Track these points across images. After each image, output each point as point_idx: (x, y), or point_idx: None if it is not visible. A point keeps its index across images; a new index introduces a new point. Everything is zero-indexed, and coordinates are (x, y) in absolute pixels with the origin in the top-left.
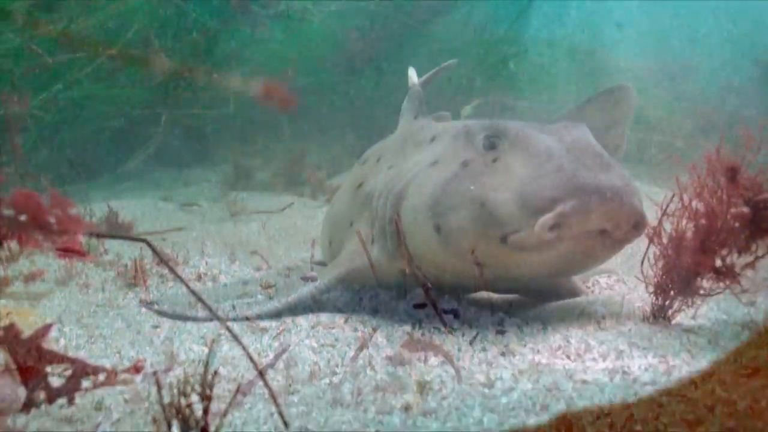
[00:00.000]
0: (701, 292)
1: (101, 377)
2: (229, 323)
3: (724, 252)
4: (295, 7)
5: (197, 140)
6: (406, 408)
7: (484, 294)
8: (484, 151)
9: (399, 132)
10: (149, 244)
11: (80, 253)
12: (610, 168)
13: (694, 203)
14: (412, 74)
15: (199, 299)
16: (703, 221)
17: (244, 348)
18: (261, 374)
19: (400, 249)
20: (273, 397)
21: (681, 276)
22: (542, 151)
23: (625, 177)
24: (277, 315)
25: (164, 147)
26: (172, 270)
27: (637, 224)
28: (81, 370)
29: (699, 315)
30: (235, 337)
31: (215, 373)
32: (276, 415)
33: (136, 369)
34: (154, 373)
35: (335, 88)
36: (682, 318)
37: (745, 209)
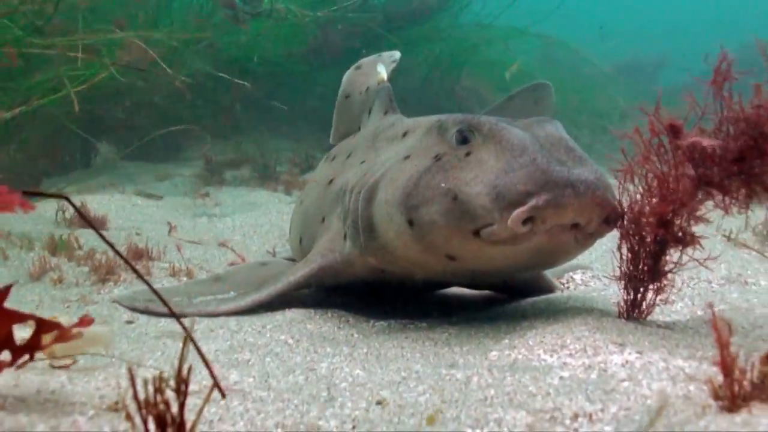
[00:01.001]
0: (669, 268)
1: (57, 333)
2: (201, 320)
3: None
4: (280, 8)
5: (171, 134)
6: (379, 402)
7: (456, 290)
8: (456, 145)
9: (368, 128)
10: (69, 201)
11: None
12: (583, 162)
13: (643, 172)
14: (381, 70)
15: (155, 292)
16: (655, 185)
17: (194, 343)
18: (206, 362)
19: (373, 244)
20: (207, 363)
21: (647, 257)
22: (515, 145)
23: (598, 171)
24: (249, 311)
25: (136, 140)
26: (99, 234)
27: (610, 218)
28: (42, 328)
29: (674, 311)
30: (186, 329)
31: (190, 368)
32: (252, 410)
33: (86, 323)
34: (129, 368)
35: (307, 81)
36: (658, 314)
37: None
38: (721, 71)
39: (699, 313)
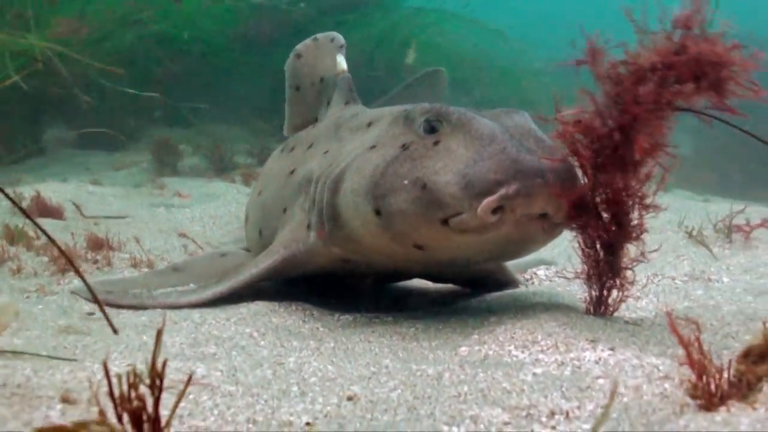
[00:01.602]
0: (626, 264)
1: None
2: (164, 312)
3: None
4: None
5: (124, 124)
6: (350, 398)
7: (420, 284)
8: (424, 135)
9: (330, 119)
10: (2, 191)
11: None
12: (552, 152)
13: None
14: (341, 61)
15: (90, 290)
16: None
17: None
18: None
19: (338, 233)
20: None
21: (603, 247)
22: (484, 134)
23: (567, 161)
24: (211, 303)
25: (90, 128)
26: (36, 224)
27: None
28: None
29: (639, 308)
30: (109, 321)
31: (165, 363)
32: (222, 405)
33: None
34: (104, 363)
35: (250, 65)
36: (624, 311)
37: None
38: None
39: (664, 310)
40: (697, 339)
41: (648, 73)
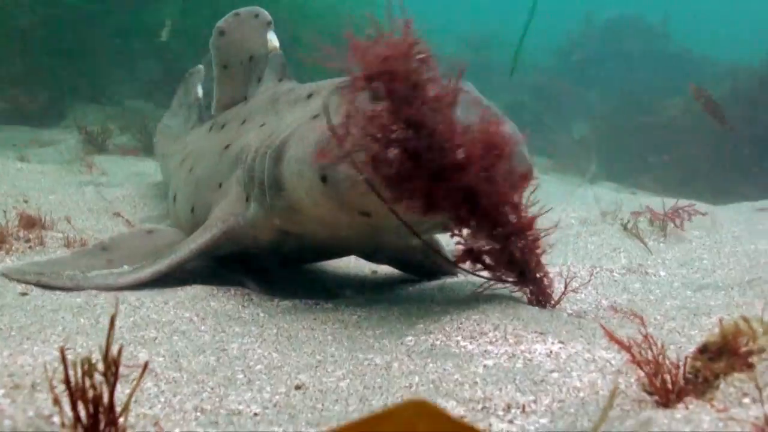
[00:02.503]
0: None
1: None
2: (99, 294)
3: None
4: None
5: (53, 98)
6: (299, 387)
7: (358, 270)
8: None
9: (264, 94)
10: None
11: None
12: (500, 119)
13: None
14: (272, 38)
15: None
16: None
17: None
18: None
19: (281, 203)
20: None
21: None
22: None
23: (514, 128)
24: (150, 283)
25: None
26: None
27: (525, 174)
28: None
29: (579, 299)
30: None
31: (120, 350)
32: (167, 392)
33: None
34: (61, 349)
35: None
36: (564, 302)
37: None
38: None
39: (604, 302)
40: (647, 336)
41: None
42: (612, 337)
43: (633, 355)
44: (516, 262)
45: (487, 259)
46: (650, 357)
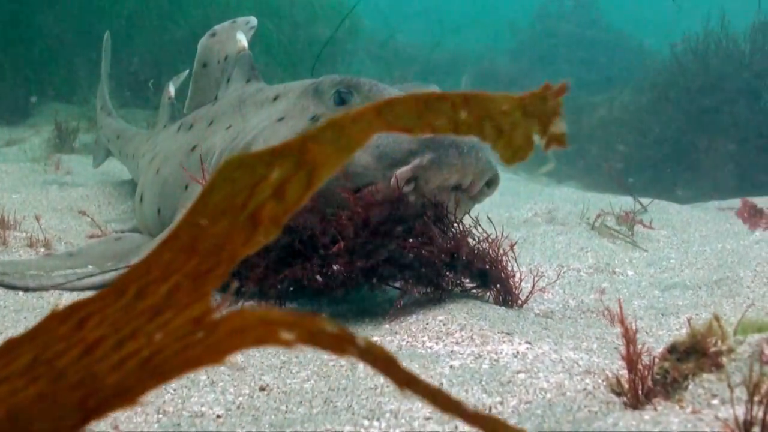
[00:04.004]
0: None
1: None
2: (63, 294)
3: None
4: None
5: (18, 96)
6: (263, 388)
7: None
8: (335, 106)
9: (231, 95)
10: None
11: None
12: None
13: None
14: (241, 38)
15: None
16: None
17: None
18: None
19: None
20: None
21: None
22: None
23: None
24: (110, 284)
25: None
26: None
27: (491, 182)
28: None
29: (546, 299)
30: None
31: None
32: None
33: None
34: None
35: None
36: (531, 302)
37: None
38: None
39: (571, 302)
40: (634, 333)
41: None
42: (623, 322)
43: (629, 350)
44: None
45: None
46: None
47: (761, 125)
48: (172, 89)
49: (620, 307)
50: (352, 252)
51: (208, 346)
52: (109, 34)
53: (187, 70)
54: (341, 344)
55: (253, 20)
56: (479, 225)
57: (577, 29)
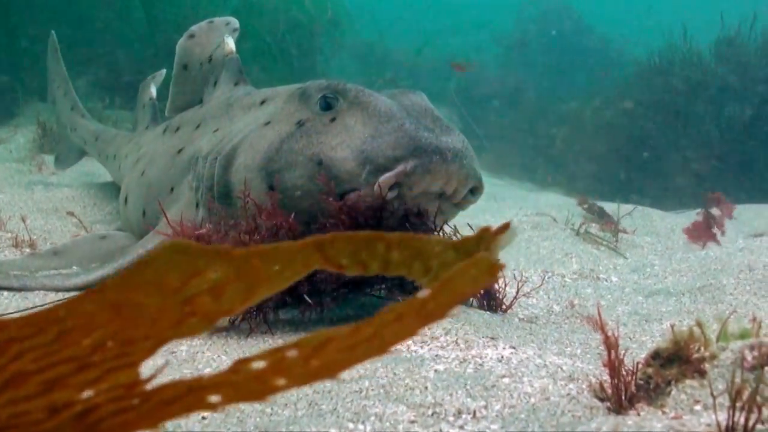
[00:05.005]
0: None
1: None
2: (47, 295)
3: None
4: None
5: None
6: None
7: None
8: (320, 111)
9: (219, 98)
10: None
11: None
12: (450, 131)
13: None
14: (229, 41)
15: None
16: None
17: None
18: None
19: (229, 210)
20: None
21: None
22: (382, 111)
23: (465, 141)
24: (94, 286)
25: None
26: None
27: (475, 189)
28: None
29: (531, 304)
30: None
31: None
32: None
33: None
34: None
35: None
36: (516, 307)
37: None
38: None
39: (555, 307)
40: (616, 340)
41: None
42: (602, 329)
43: (611, 356)
44: None
45: None
46: (606, 361)
47: (724, 136)
48: (153, 90)
49: (599, 314)
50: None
51: (142, 414)
52: (54, 34)
53: (164, 70)
54: (266, 385)
55: (235, 22)
56: (458, 233)
57: (560, 37)
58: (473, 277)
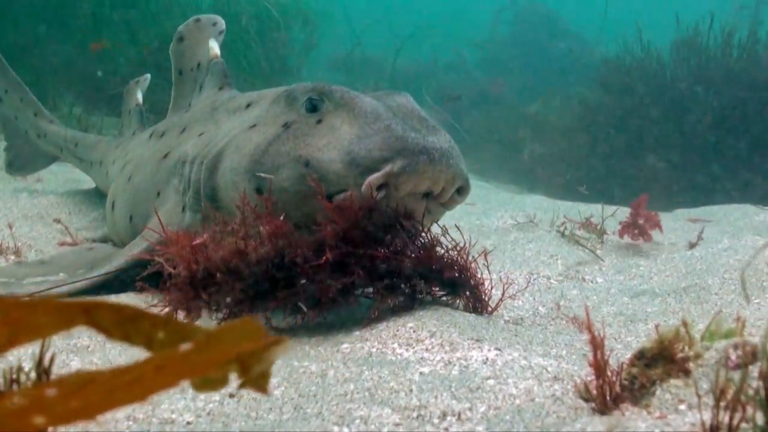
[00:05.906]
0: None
1: None
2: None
3: None
4: None
5: None
6: (233, 395)
7: None
8: (307, 113)
9: (204, 102)
10: None
11: None
12: (437, 131)
13: None
14: (213, 45)
15: None
16: None
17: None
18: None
19: (216, 214)
20: None
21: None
22: (368, 111)
23: (451, 141)
24: (84, 291)
25: None
26: None
27: (462, 189)
28: None
29: (516, 306)
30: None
31: (53, 358)
32: None
33: None
34: None
35: None
36: (501, 308)
37: None
38: None
39: (541, 309)
40: (602, 340)
41: None
42: (590, 329)
43: (596, 356)
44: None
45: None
46: (591, 361)
47: (687, 139)
48: (139, 95)
49: (587, 314)
50: (332, 267)
51: None
52: None
53: (148, 75)
54: (22, 422)
55: (221, 23)
56: (447, 234)
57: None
58: (238, 337)
